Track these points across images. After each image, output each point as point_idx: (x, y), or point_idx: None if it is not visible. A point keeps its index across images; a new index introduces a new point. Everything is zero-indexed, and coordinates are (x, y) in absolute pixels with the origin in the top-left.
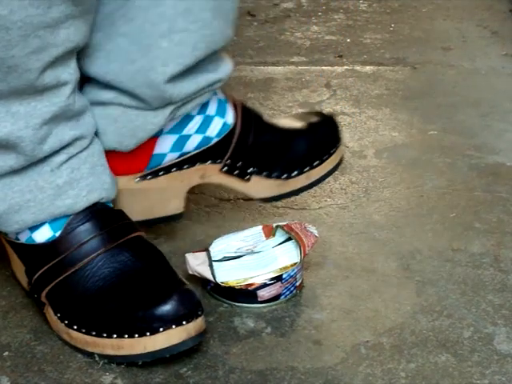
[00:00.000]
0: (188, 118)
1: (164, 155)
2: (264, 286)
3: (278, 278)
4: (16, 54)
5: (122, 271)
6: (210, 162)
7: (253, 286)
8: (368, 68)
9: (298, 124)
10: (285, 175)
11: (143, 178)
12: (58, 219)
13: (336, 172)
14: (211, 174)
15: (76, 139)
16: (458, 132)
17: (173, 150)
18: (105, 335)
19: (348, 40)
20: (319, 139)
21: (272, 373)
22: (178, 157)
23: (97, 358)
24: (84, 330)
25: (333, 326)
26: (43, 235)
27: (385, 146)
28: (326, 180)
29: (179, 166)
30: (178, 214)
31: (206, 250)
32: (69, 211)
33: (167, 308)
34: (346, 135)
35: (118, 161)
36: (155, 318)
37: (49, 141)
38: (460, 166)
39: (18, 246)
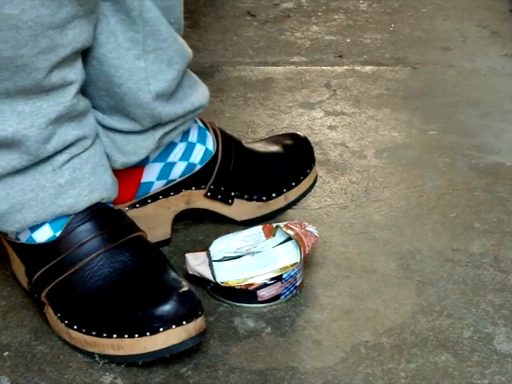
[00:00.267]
0: (171, 145)
1: (151, 183)
2: (264, 285)
3: (278, 278)
4: (25, 54)
5: (122, 271)
6: (194, 188)
7: (253, 286)
8: (368, 68)
9: (274, 148)
10: (265, 197)
11: (132, 206)
12: (58, 219)
13: (336, 172)
14: (196, 199)
15: (79, 139)
16: (458, 132)
17: (159, 177)
18: (105, 335)
19: (348, 40)
20: (295, 161)
21: (272, 373)
22: (165, 184)
23: (97, 358)
24: (84, 330)
25: (333, 326)
26: (43, 235)
27: (385, 145)
28: (326, 180)
29: (165, 193)
30: (165, 240)
31: (206, 249)
32: (70, 211)
33: (167, 308)
34: (346, 135)
35: None
36: (155, 317)
37: (53, 140)
38: (460, 166)
39: (18, 246)
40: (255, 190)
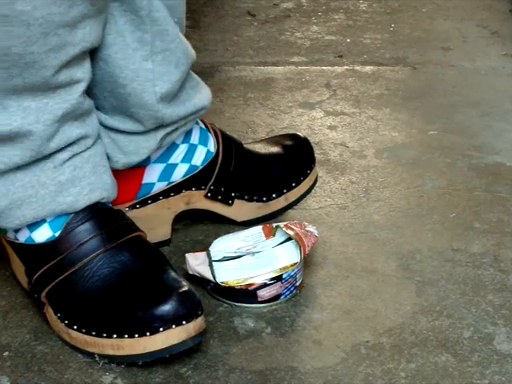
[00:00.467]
0: (173, 146)
1: (152, 184)
2: (264, 285)
3: (278, 278)
4: (35, 51)
5: (122, 271)
6: (194, 188)
7: (253, 286)
8: (368, 68)
9: (274, 149)
10: (265, 198)
11: (132, 207)
12: (57, 218)
13: (336, 172)
14: (196, 200)
15: (81, 138)
16: (458, 132)
17: (161, 179)
18: (105, 335)
19: (348, 40)
20: (295, 162)
21: (272, 373)
22: (166, 186)
23: (97, 358)
24: (84, 330)
25: (333, 326)
26: (43, 235)
27: (385, 145)
28: (326, 180)
29: (165, 194)
30: (165, 241)
31: (206, 250)
32: (70, 209)
33: (167, 308)
34: (346, 135)
35: None
36: (155, 317)
37: (56, 138)
38: (460, 166)
39: (17, 246)
40: (255, 190)
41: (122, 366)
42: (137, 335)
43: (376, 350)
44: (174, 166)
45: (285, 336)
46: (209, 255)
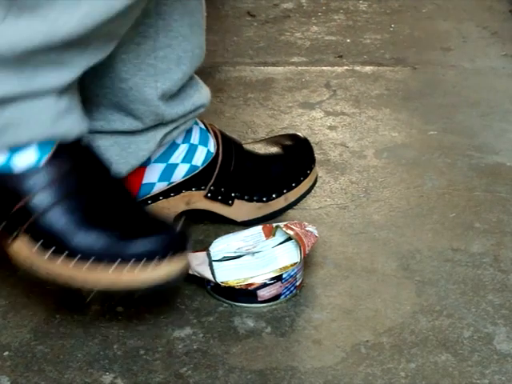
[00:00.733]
0: (174, 146)
1: (153, 184)
2: (264, 285)
3: (278, 278)
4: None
5: (112, 205)
6: (194, 188)
7: (253, 286)
8: (368, 68)
9: (274, 149)
10: (265, 198)
11: None
12: (46, 145)
13: (336, 172)
14: (196, 200)
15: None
16: (458, 132)
17: (161, 179)
18: (103, 266)
19: (348, 40)
20: (295, 162)
21: (272, 373)
22: (167, 186)
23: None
24: (80, 261)
25: (333, 326)
26: (27, 159)
27: (385, 145)
28: (326, 180)
29: (165, 194)
30: None
31: (206, 250)
32: (66, 135)
33: (160, 240)
34: (346, 135)
35: None
36: (149, 249)
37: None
38: (460, 166)
39: None
40: (255, 190)
41: (122, 365)
42: (131, 267)
43: (376, 350)
44: (175, 166)
45: (285, 336)
46: (209, 255)
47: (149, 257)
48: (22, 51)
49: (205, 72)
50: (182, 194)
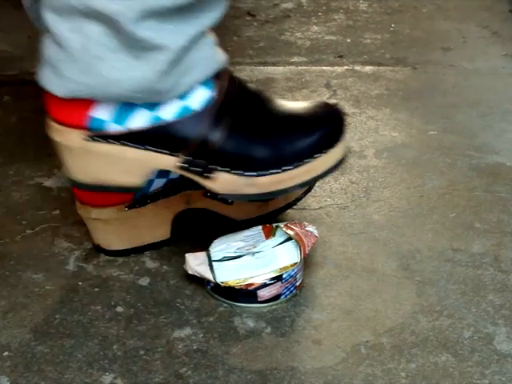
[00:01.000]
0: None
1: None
2: (264, 285)
3: (278, 278)
4: None
5: (282, 111)
6: (193, 188)
7: (253, 286)
8: (368, 68)
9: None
10: None
11: (131, 206)
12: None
13: (336, 172)
14: (196, 199)
15: None
16: (458, 132)
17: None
18: (292, 167)
19: (348, 40)
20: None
21: (272, 373)
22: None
23: (299, 191)
24: (274, 171)
25: (333, 326)
26: (201, 97)
27: (385, 145)
28: (326, 180)
29: (165, 194)
30: (165, 240)
31: (206, 250)
32: (222, 64)
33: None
34: (346, 135)
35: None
36: (325, 140)
37: None
38: (460, 166)
39: (158, 129)
40: None
41: (122, 365)
42: (317, 155)
43: (376, 350)
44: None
45: (285, 336)
46: (209, 255)
47: (325, 146)
48: (189, 2)
49: None
50: (181, 194)
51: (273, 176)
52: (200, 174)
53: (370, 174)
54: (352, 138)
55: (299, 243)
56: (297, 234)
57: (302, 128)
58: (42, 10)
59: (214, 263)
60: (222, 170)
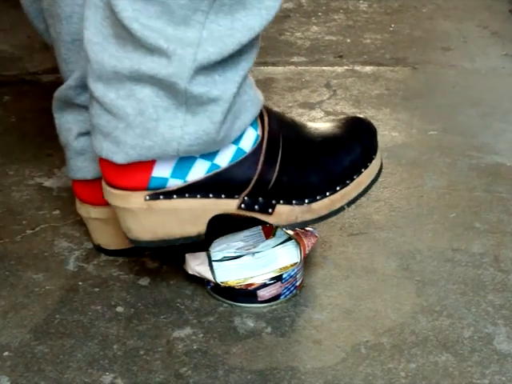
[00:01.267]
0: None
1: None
2: (264, 285)
3: (278, 278)
4: None
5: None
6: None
7: (253, 286)
8: (368, 68)
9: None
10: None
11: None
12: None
13: None
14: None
15: None
16: (458, 132)
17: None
18: (348, 182)
19: (348, 40)
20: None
21: (272, 373)
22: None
23: (346, 208)
24: (328, 193)
25: (333, 326)
26: (249, 139)
27: (385, 145)
28: None
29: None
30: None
31: (206, 250)
32: (262, 103)
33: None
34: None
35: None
36: (366, 154)
37: None
38: (460, 166)
39: (213, 178)
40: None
41: (122, 365)
42: (364, 169)
43: (376, 350)
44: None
45: (285, 336)
46: (209, 255)
47: (368, 159)
48: (234, 50)
49: None
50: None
51: (326, 199)
52: (261, 212)
53: None
54: None
55: (299, 243)
56: (297, 233)
57: (344, 147)
58: (87, 81)
59: (214, 263)
60: (280, 203)
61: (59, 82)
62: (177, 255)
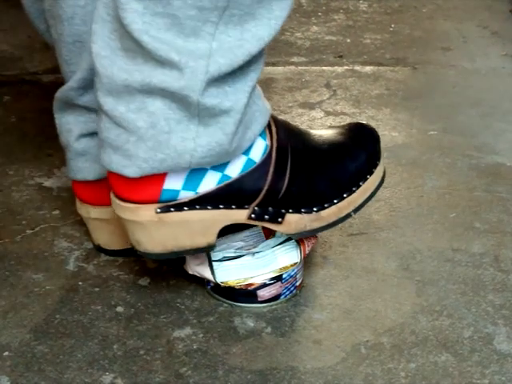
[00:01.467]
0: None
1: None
2: (264, 285)
3: (278, 278)
4: None
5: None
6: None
7: (253, 286)
8: (368, 68)
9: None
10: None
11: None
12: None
13: None
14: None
15: None
16: (458, 132)
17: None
18: (354, 189)
19: (348, 40)
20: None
21: (272, 373)
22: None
23: (353, 214)
24: (336, 201)
25: (333, 326)
26: (259, 149)
27: (385, 145)
28: None
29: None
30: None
31: None
32: (269, 113)
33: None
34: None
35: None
36: (371, 160)
37: None
38: (460, 166)
39: (227, 187)
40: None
41: (122, 365)
42: (369, 175)
43: (376, 350)
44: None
45: (285, 336)
46: (209, 255)
47: (373, 165)
48: (244, 60)
49: None
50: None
51: (334, 206)
52: (270, 221)
53: None
54: None
55: (299, 243)
56: None
57: (350, 154)
58: (95, 94)
59: (214, 263)
60: (289, 212)
61: (59, 82)
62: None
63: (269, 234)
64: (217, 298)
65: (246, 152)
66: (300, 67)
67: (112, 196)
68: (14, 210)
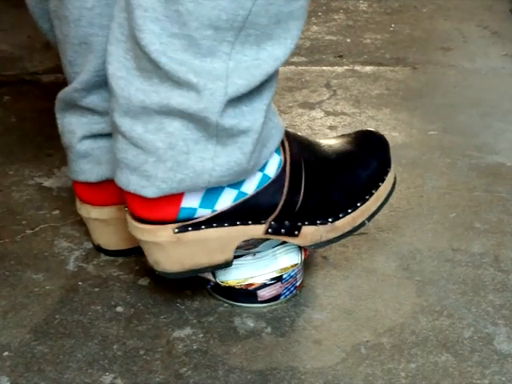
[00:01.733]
0: None
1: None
2: (264, 286)
3: (278, 279)
4: None
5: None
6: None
7: (253, 286)
8: (368, 68)
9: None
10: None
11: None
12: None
13: None
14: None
15: None
16: (458, 132)
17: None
18: (367, 197)
19: (348, 40)
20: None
21: (272, 373)
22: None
23: (367, 223)
24: (350, 210)
25: (333, 326)
26: (273, 165)
27: None
28: None
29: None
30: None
31: None
32: (283, 129)
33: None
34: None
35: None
36: (382, 168)
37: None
38: (460, 166)
39: (241, 205)
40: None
41: (122, 365)
42: (381, 183)
43: (376, 350)
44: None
45: (285, 336)
46: None
47: (384, 173)
48: (261, 81)
49: None
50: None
51: (348, 216)
52: (287, 235)
53: None
54: None
55: None
56: None
57: (361, 163)
58: (110, 115)
59: None
60: (305, 225)
61: (59, 82)
62: None
63: None
64: (217, 298)
65: (262, 168)
66: (300, 67)
67: (128, 218)
68: (14, 210)
